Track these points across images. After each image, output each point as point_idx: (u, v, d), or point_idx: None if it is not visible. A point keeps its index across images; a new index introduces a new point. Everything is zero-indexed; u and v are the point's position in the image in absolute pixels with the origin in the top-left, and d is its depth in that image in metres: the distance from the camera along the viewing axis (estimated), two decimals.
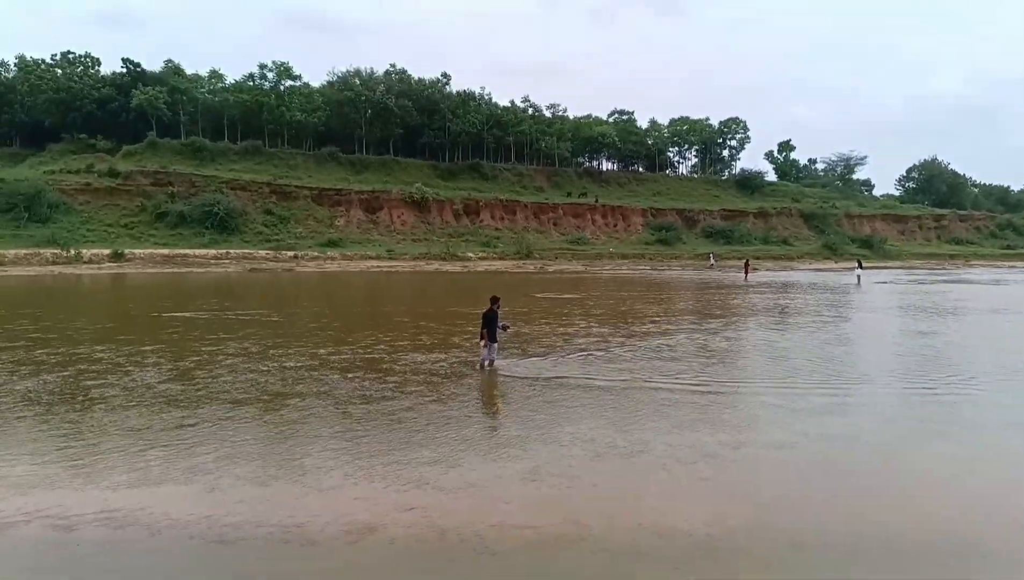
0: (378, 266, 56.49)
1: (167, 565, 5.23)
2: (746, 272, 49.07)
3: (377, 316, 22.19)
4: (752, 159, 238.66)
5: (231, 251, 56.53)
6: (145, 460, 7.33)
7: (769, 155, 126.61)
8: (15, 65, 76.69)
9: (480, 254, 66.52)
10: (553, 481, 6.84)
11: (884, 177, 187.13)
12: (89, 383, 10.97)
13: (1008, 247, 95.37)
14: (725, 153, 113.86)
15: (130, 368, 12.27)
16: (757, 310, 24.69)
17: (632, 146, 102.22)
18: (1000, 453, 8.25)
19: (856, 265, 46.20)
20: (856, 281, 41.51)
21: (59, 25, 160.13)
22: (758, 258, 67.37)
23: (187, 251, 54.77)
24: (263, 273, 48.56)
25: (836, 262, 73.76)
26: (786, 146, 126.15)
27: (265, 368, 12.35)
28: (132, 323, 19.51)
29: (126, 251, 51.92)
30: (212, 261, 53.89)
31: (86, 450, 7.67)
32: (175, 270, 48.23)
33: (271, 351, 14.14)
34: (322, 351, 14.24)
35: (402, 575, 5.08)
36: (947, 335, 18.31)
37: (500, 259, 64.99)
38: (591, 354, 14.22)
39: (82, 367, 12.30)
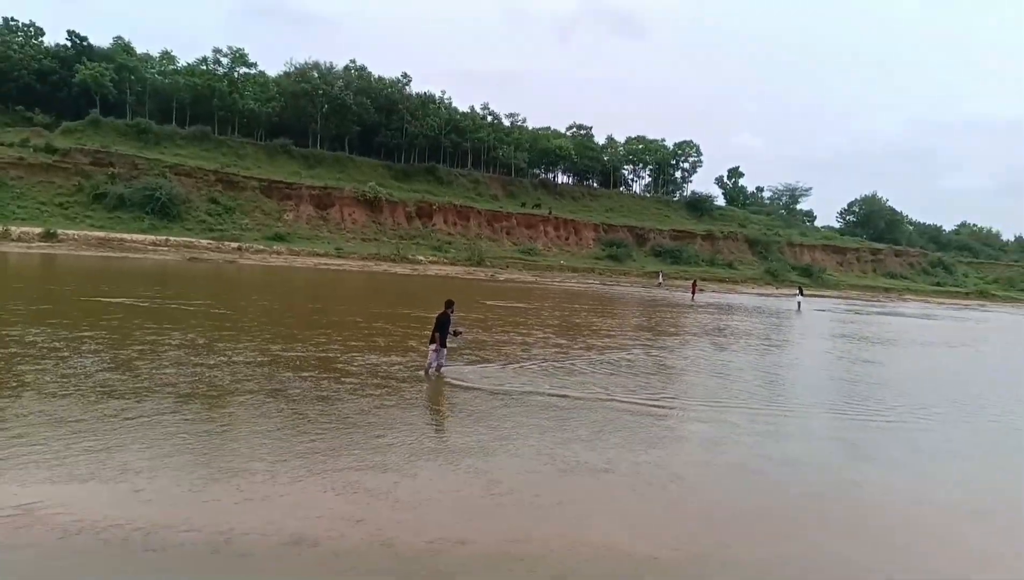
0: (326, 264, 55.36)
1: (76, 572, 4.83)
2: (693, 292, 50.05)
3: (329, 314, 21.72)
4: (703, 183, 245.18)
5: (171, 238, 54.54)
6: (72, 454, 6.87)
7: (719, 180, 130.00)
8: None
9: (431, 258, 65.96)
10: (514, 496, 6.67)
11: (826, 209, 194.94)
12: (23, 367, 10.33)
13: (938, 284, 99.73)
14: (678, 175, 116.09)
15: (67, 354, 11.63)
16: (708, 330, 25.18)
17: (588, 161, 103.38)
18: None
19: (797, 292, 47.59)
20: (797, 307, 42.83)
21: None
22: (704, 279, 68.80)
23: (124, 235, 52.55)
24: (204, 263, 47.00)
25: (777, 288, 75.90)
26: (735, 173, 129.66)
27: (212, 362, 11.87)
28: (68, 306, 18.55)
29: (59, 231, 49.53)
30: (150, 247, 51.89)
31: (6, 440, 7.17)
32: (110, 254, 46.22)
33: (218, 344, 13.63)
34: (273, 347, 13.83)
35: None
36: (892, 365, 19.11)
37: (451, 264, 64.56)
38: (551, 365, 14.22)
39: (14, 350, 11.60)
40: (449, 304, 12.12)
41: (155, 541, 5.22)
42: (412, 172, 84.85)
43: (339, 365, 12.43)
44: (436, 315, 12.00)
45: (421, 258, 64.86)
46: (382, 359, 13.21)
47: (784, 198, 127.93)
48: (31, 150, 59.24)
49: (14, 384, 9.36)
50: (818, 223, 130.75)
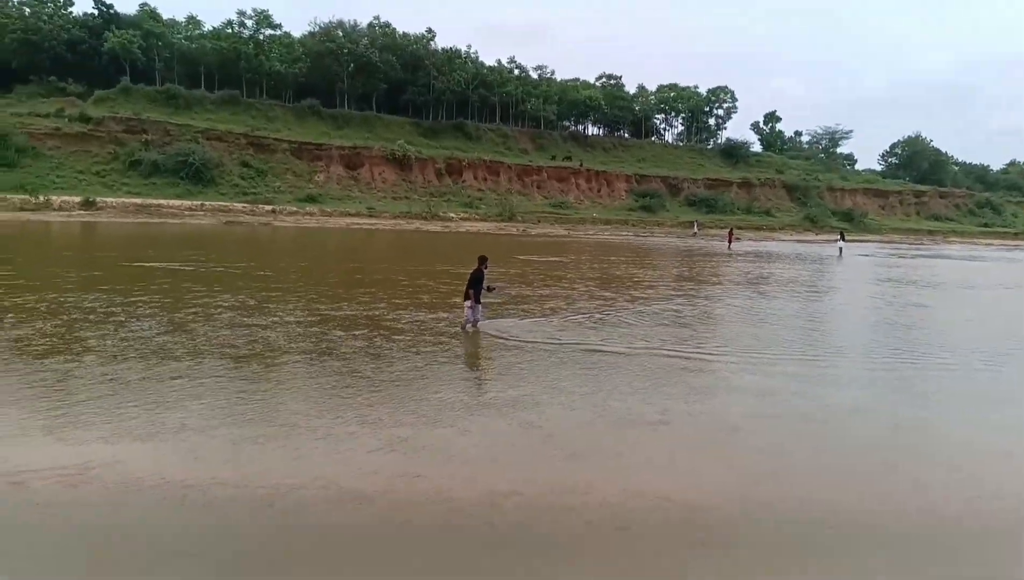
0: (358, 223, 55.68)
1: (135, 528, 4.92)
2: (729, 241, 49.26)
3: (369, 273, 21.81)
4: (738, 129, 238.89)
5: (206, 203, 55.23)
6: (132, 414, 7.01)
7: (755, 126, 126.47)
8: None
9: (462, 215, 65.85)
10: (568, 448, 6.63)
11: (867, 153, 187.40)
12: (84, 333, 10.56)
13: (985, 225, 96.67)
14: (712, 122, 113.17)
15: (123, 318, 11.87)
16: (751, 279, 24.84)
17: (619, 111, 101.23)
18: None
19: (838, 237, 46.55)
20: (838, 253, 41.99)
21: None
22: (740, 228, 67.60)
23: (161, 201, 53.38)
24: (240, 226, 47.63)
25: (817, 234, 74.34)
26: (772, 117, 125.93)
27: (264, 322, 12.02)
28: (117, 272, 18.90)
29: (98, 200, 50.46)
30: (187, 213, 52.63)
31: (70, 401, 7.37)
32: (148, 220, 47.08)
33: (268, 305, 13.79)
34: (321, 307, 13.93)
35: (403, 545, 4.87)
36: (944, 308, 18.81)
37: (482, 220, 64.40)
38: (597, 317, 14.15)
39: (76, 316, 11.90)
40: (483, 260, 12.13)
41: (211, 497, 5.30)
42: (440, 129, 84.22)
43: (387, 323, 12.50)
44: (470, 272, 12.02)
45: (452, 215, 64.81)
46: (429, 316, 13.23)
47: (823, 142, 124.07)
48: (66, 120, 60.10)
49: (78, 349, 9.57)
50: (859, 166, 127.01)
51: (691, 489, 5.80)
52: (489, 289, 12.24)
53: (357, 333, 11.48)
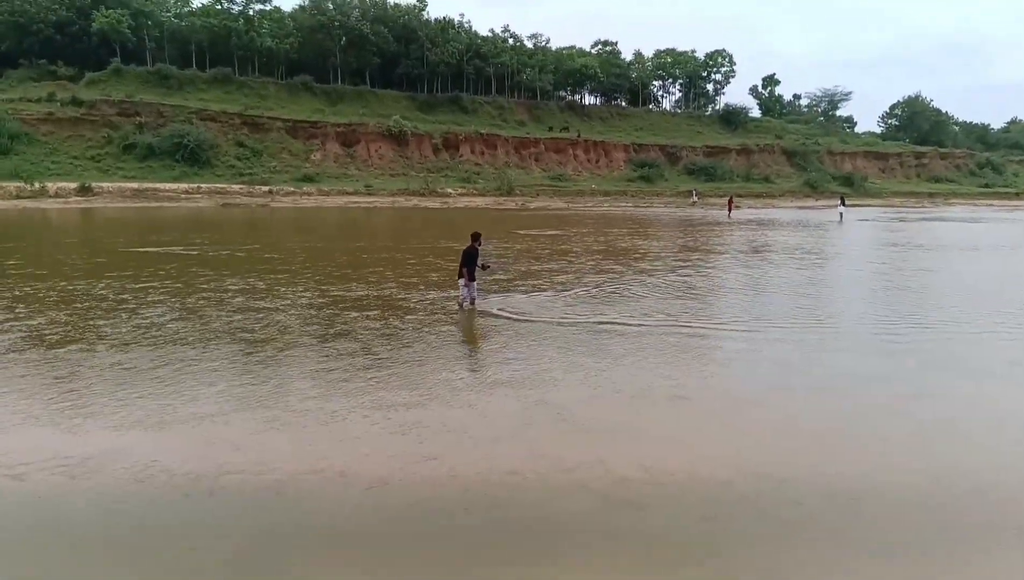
0: (356, 202, 55.64)
1: (147, 516, 4.94)
2: (729, 209, 49.16)
3: (375, 252, 21.83)
4: (737, 94, 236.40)
5: (203, 185, 55.14)
6: (145, 402, 7.09)
7: (753, 90, 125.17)
8: None
9: (460, 190, 65.71)
10: (586, 427, 6.68)
11: (866, 115, 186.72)
12: (98, 322, 10.65)
13: (986, 186, 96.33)
14: (710, 87, 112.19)
15: (134, 305, 11.96)
16: (756, 247, 24.97)
17: (615, 79, 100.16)
18: None
19: (839, 202, 46.52)
20: (839, 218, 41.98)
21: None
22: (740, 196, 67.26)
23: (157, 185, 53.26)
24: (237, 209, 47.59)
25: (817, 200, 74.13)
26: (771, 81, 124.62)
27: (276, 305, 12.10)
28: (122, 258, 18.94)
29: (94, 185, 50.36)
30: (183, 196, 52.60)
31: (85, 389, 7.48)
32: (146, 205, 47.02)
33: (278, 288, 13.87)
34: (332, 289, 13.99)
35: (419, 528, 4.90)
36: (952, 272, 18.92)
37: (480, 195, 64.29)
38: (607, 291, 14.25)
39: (89, 304, 12.01)
40: (475, 237, 11.99)
41: (224, 483, 5.32)
42: (436, 103, 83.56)
43: (399, 303, 12.59)
44: (463, 249, 11.89)
45: (450, 191, 64.67)
46: (440, 294, 13.27)
47: (823, 104, 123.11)
48: (58, 104, 59.63)
49: (92, 338, 9.66)
50: (859, 129, 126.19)
51: (709, 465, 5.80)
52: (483, 267, 12.18)
53: (370, 314, 11.54)
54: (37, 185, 48.02)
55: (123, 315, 11.17)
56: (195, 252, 20.40)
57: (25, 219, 34.97)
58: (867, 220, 44.83)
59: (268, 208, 49.07)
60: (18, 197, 45.92)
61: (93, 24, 69.08)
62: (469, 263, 11.71)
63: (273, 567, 4.36)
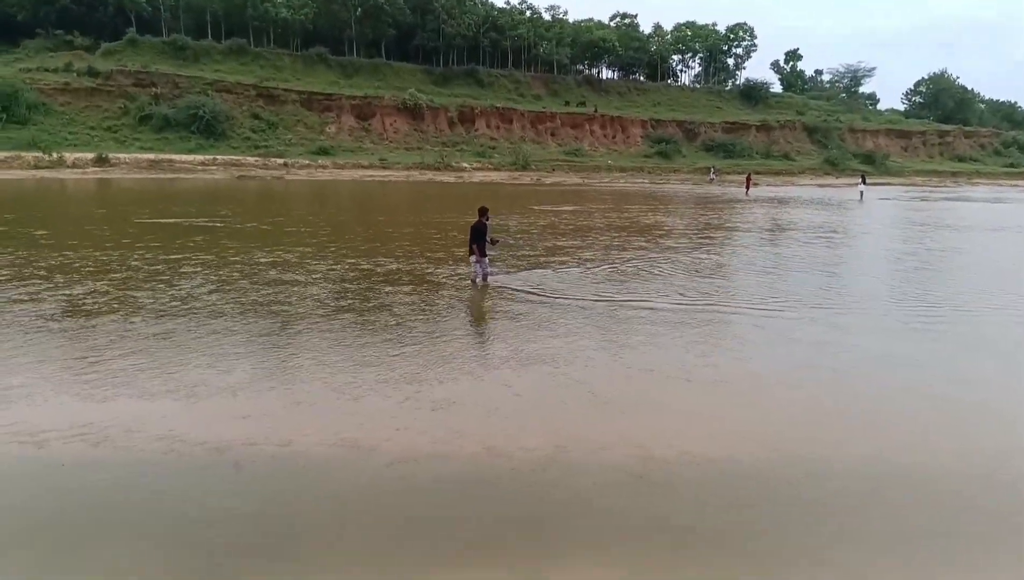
0: (371, 175, 55.68)
1: (173, 485, 5.05)
2: (748, 187, 48.90)
3: (400, 226, 21.90)
4: (758, 69, 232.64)
5: (218, 157, 55.28)
6: (179, 371, 7.23)
7: (775, 65, 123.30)
8: None
9: (475, 164, 65.58)
10: (622, 405, 6.74)
11: (890, 93, 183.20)
12: (136, 293, 10.79)
13: (1011, 165, 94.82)
14: (730, 62, 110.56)
15: (168, 276, 12.15)
16: (779, 225, 24.92)
17: (634, 53, 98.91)
18: None
19: (860, 181, 46.14)
20: (859, 197, 41.68)
21: None
22: (759, 173, 66.59)
23: (173, 156, 53.51)
24: (253, 181, 47.76)
25: (837, 178, 73.44)
26: (793, 56, 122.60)
27: (309, 279, 12.22)
28: (149, 229, 19.09)
29: (110, 156, 50.69)
30: (199, 167, 52.79)
31: (121, 359, 7.56)
32: (161, 176, 47.28)
33: (309, 262, 14.00)
34: (363, 263, 14.08)
35: (448, 505, 5.01)
36: (979, 252, 18.80)
37: (495, 170, 64.18)
38: (636, 268, 14.28)
39: (127, 274, 12.22)
40: (483, 212, 11.89)
41: (252, 455, 5.41)
42: (451, 76, 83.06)
43: (430, 277, 12.68)
44: (471, 225, 11.83)
45: (465, 165, 64.56)
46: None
47: (845, 80, 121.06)
48: (75, 74, 59.78)
49: (130, 308, 9.83)
50: (881, 106, 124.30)
51: (743, 445, 5.84)
52: (492, 241, 12.15)
53: (403, 289, 11.61)
54: (55, 155, 48.31)
55: (160, 286, 11.34)
56: (220, 224, 20.52)
57: (44, 189, 35.29)
58: (888, 199, 44.40)
59: (283, 181, 49.23)
60: (36, 167, 46.29)
61: None
62: (478, 239, 11.67)
63: (288, 543, 4.40)
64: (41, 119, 54.50)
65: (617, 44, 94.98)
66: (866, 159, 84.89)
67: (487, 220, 11.91)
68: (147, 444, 5.54)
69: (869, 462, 5.64)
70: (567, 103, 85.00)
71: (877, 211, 33.98)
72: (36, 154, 47.95)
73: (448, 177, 57.39)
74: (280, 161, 57.10)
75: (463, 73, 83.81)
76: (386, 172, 58.30)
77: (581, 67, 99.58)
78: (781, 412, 6.75)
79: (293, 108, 67.09)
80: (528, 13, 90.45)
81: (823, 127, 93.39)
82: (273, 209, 28.16)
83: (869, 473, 5.45)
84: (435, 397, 6.71)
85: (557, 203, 32.68)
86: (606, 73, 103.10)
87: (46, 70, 59.61)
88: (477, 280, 12.01)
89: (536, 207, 29.61)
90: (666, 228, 22.84)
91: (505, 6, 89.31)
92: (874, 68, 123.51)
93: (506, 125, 77.20)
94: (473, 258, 11.90)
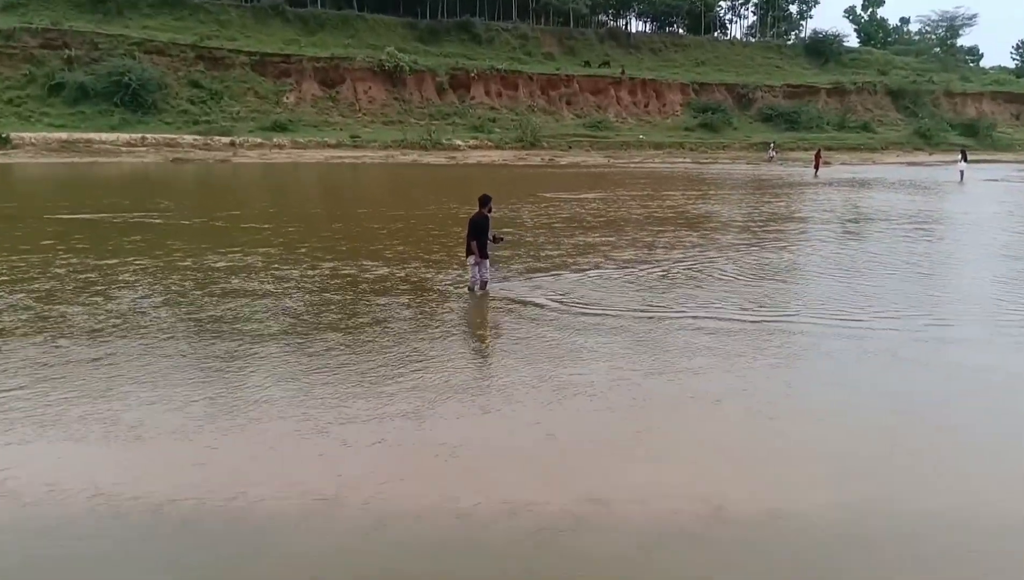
0: (340, 157, 56.26)
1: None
2: (816, 166, 49.06)
3: (386, 221, 22.15)
4: (828, 19, 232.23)
5: (148, 136, 55.79)
6: (116, 409, 7.47)
7: (850, 12, 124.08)
8: None
9: (471, 142, 66.02)
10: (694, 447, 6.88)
11: (997, 45, 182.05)
12: (68, 309, 10.92)
13: None
14: (793, 9, 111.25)
15: (103, 286, 12.37)
16: (862, 215, 25.20)
17: (670, 0, 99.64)
18: None
19: (959, 157, 46.33)
20: (959, 178, 41.79)
21: None
22: (830, 149, 67.06)
23: (92, 135, 53.92)
24: (192, 165, 48.36)
25: (930, 154, 73.74)
26: (873, 1, 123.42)
27: (283, 289, 12.43)
28: (73, 228, 19.23)
29: (12, 135, 51.10)
30: (124, 148, 53.30)
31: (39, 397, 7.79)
32: (78, 160, 47.75)
33: (279, 267, 14.29)
34: (344, 268, 14.34)
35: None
36: None
37: (497, 148, 64.66)
38: (690, 270, 14.41)
39: (52, 285, 12.41)
40: (484, 202, 11.83)
41: (203, 513, 5.56)
42: (441, 30, 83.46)
43: (432, 285, 12.89)
44: (470, 218, 11.78)
45: (459, 143, 65.00)
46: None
47: (940, 31, 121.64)
48: None
49: (56, 327, 9.97)
50: (985, 63, 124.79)
51: (851, 499, 5.99)
52: (496, 239, 12.04)
53: (398, 300, 11.75)
54: None
55: (94, 299, 11.52)
56: (159, 220, 20.85)
57: None
58: (996, 180, 44.51)
59: (229, 164, 49.75)
60: None
61: None
62: (479, 235, 11.53)
63: None
64: None
65: None
66: (967, 130, 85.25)
67: (489, 212, 11.89)
68: (65, 499, 5.56)
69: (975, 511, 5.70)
70: (587, 63, 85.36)
71: (982, 195, 34.06)
72: None
73: (438, 158, 57.87)
74: (225, 140, 57.60)
75: (455, 27, 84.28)
76: (359, 152, 58.80)
77: (604, 18, 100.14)
78: (907, 457, 6.69)
79: (241, 72, 67.53)
80: None
81: (912, 90, 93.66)
82: (225, 201, 28.46)
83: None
84: (443, 438, 6.77)
85: (574, 189, 32.91)
86: (636, 25, 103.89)
87: None
88: (475, 287, 12.00)
89: (551, 195, 29.82)
90: (721, 219, 23.11)
91: None
92: (975, 15, 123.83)
93: (510, 92, 77.62)
94: (471, 260, 11.84)
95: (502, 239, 12.65)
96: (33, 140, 51.70)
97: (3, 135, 50.67)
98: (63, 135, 53.34)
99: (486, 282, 12.03)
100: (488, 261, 11.97)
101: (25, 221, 20.84)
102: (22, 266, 14.08)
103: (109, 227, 19.50)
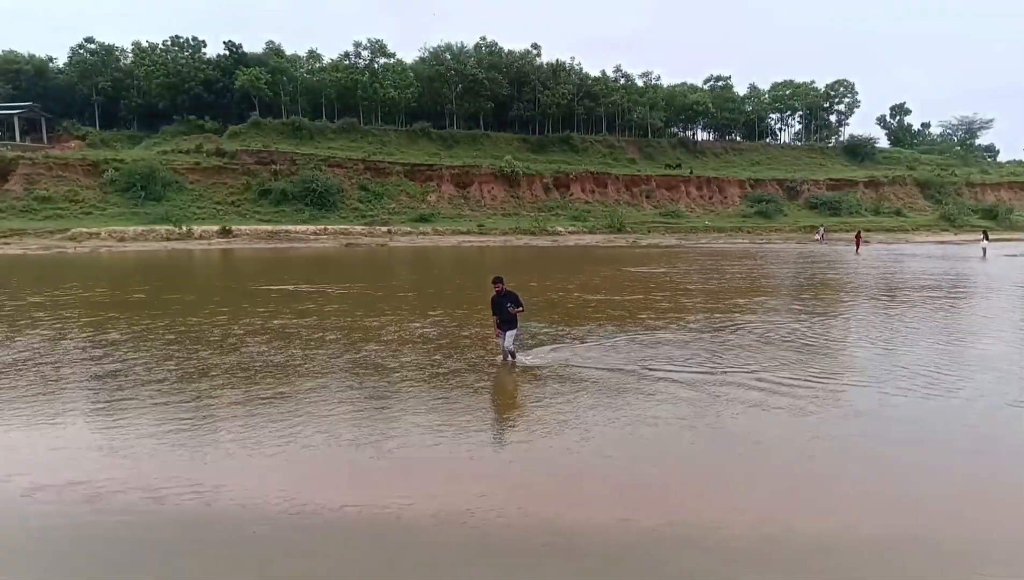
0: (469, 241, 57.30)
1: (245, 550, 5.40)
2: (857, 245, 46.77)
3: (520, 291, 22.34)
4: (862, 125, 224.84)
5: (328, 227, 58.68)
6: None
7: (881, 120, 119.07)
8: (131, 51, 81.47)
9: (570, 228, 66.22)
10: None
11: (1011, 142, 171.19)
12: (280, 357, 11.59)
13: None
14: (832, 118, 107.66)
15: (313, 342, 13.09)
16: (907, 284, 23.95)
17: (729, 114, 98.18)
18: None
19: (981, 236, 43.19)
20: (982, 254, 38.99)
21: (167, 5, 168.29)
22: (869, 230, 63.89)
23: (289, 227, 57.20)
24: (359, 248, 50.25)
25: (956, 234, 69.09)
26: (900, 110, 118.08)
27: (436, 346, 12.70)
28: (290, 299, 19.86)
29: (233, 228, 54.81)
30: (311, 237, 56.12)
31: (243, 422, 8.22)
32: (278, 245, 50.58)
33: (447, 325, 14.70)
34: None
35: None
36: None
37: (590, 233, 64.55)
38: (750, 336, 13.65)
39: (270, 337, 13.16)
40: (496, 281, 11.06)
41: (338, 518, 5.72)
42: (546, 143, 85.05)
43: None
44: (491, 298, 11.26)
45: (560, 229, 65.31)
46: (568, 330, 13.44)
47: (959, 133, 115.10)
48: (204, 155, 65.62)
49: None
50: (1002, 158, 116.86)
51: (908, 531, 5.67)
52: (515, 311, 10.97)
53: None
54: (184, 228, 52.86)
55: (300, 348, 12.12)
56: (343, 291, 21.82)
57: (173, 260, 38.48)
58: (1016, 256, 41.20)
59: (386, 247, 51.47)
60: (167, 239, 50.67)
61: (235, 82, 75.84)
62: (497, 312, 11.06)
63: None
64: (174, 196, 59.75)
65: (711, 106, 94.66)
66: (987, 214, 79.67)
67: (500, 290, 11.02)
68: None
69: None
70: (666, 166, 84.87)
71: (1009, 269, 31.58)
72: (168, 227, 52.57)
73: (544, 241, 58.16)
74: (384, 229, 59.82)
75: (558, 140, 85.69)
76: (483, 237, 59.80)
77: (675, 130, 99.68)
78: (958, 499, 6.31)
79: (397, 179, 70.46)
80: (622, 81, 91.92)
81: (936, 182, 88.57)
82: (378, 275, 29.36)
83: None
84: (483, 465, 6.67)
85: (650, 264, 32.34)
86: (701, 135, 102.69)
87: (180, 152, 65.70)
88: (507, 358, 11.19)
89: (628, 268, 29.36)
90: (768, 289, 22.08)
91: (599, 75, 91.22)
92: (992, 119, 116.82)
93: (601, 189, 77.82)
94: (497, 334, 11.34)
95: (523, 308, 11.11)
96: (247, 231, 55.15)
97: (228, 227, 54.39)
98: (269, 227, 56.72)
99: (513, 354, 11.23)
100: (513, 332, 11.11)
101: (246, 295, 22.05)
102: (262, 324, 14.84)
103: (311, 297, 20.42)
